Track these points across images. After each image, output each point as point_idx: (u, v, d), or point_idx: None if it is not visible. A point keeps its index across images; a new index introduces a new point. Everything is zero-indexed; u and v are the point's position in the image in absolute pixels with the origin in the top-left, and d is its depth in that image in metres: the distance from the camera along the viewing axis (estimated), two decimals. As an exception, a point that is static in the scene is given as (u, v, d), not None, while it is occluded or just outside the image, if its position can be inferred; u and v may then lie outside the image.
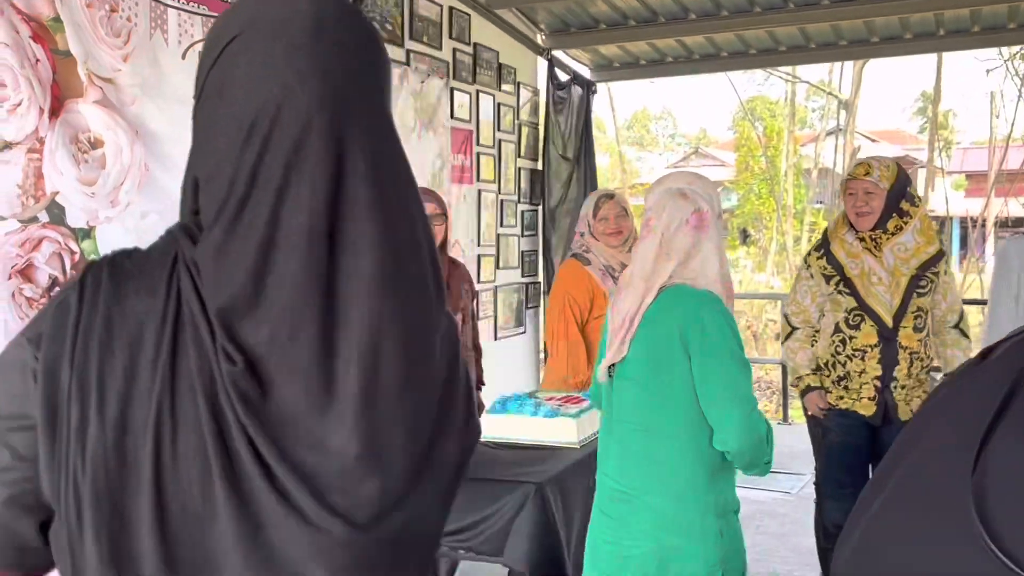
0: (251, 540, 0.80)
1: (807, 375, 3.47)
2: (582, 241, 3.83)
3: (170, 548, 0.80)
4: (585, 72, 6.91)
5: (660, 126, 38.80)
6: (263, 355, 0.81)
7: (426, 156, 4.54)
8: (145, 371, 0.82)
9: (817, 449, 3.57)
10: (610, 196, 3.80)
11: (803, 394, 3.50)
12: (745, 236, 24.91)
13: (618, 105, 18.72)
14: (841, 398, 3.38)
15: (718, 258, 2.06)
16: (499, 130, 5.75)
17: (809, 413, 3.52)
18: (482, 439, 3.00)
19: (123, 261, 0.89)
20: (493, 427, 2.94)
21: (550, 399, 3.13)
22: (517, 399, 3.01)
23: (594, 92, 6.92)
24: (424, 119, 4.51)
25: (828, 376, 3.43)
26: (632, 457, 2.09)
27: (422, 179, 4.48)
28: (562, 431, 2.83)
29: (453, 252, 4.91)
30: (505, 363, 5.86)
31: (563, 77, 6.42)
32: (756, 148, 22.79)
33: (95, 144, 2.78)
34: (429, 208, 3.36)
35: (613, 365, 2.10)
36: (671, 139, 38.70)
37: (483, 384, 3.73)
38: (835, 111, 18.42)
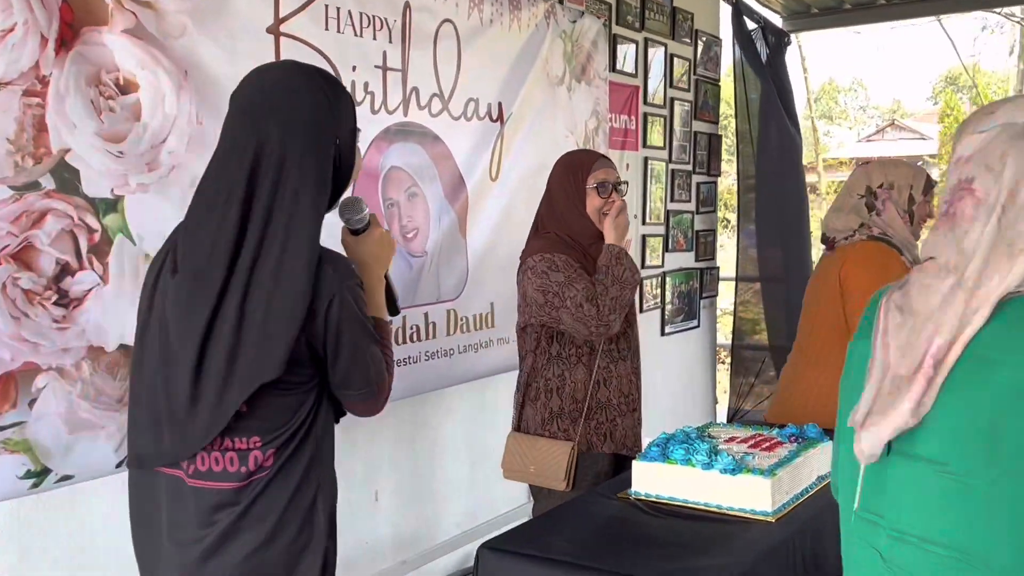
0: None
1: None
2: (878, 221, 2.69)
3: None
4: (777, 20, 5.85)
5: (849, 98, 36.36)
6: None
7: (578, 113, 3.69)
8: None
9: None
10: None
11: None
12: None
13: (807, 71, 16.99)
14: None
15: None
16: (671, 87, 4.83)
17: None
18: (633, 497, 2.18)
19: None
20: (648, 481, 2.07)
21: (730, 439, 2.24)
22: (683, 440, 2.14)
23: (787, 44, 5.84)
24: (576, 68, 3.67)
25: None
26: None
27: (573, 140, 3.65)
28: (749, 494, 1.94)
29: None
30: (673, 364, 4.96)
31: (750, 25, 5.40)
32: (964, 119, 20.59)
33: (125, 88, 2.12)
34: (614, 175, 2.59)
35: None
36: (862, 111, 36.21)
37: None
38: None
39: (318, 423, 1.55)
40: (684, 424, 2.39)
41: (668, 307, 4.93)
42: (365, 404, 1.62)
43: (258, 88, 1.58)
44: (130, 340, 2.11)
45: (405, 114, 2.89)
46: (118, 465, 2.12)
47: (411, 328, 2.97)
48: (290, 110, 1.53)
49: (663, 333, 4.89)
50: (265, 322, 1.45)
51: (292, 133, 1.51)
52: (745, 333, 5.54)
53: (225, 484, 1.48)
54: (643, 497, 2.08)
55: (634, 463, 2.12)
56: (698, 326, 5.28)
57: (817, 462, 2.16)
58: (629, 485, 2.13)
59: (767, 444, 2.16)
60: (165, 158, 2.19)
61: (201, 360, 1.46)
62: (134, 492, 1.60)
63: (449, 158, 3.08)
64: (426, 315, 3.02)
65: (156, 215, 2.17)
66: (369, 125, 2.75)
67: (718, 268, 5.52)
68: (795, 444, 2.17)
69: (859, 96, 36.65)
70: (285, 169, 1.48)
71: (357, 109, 2.64)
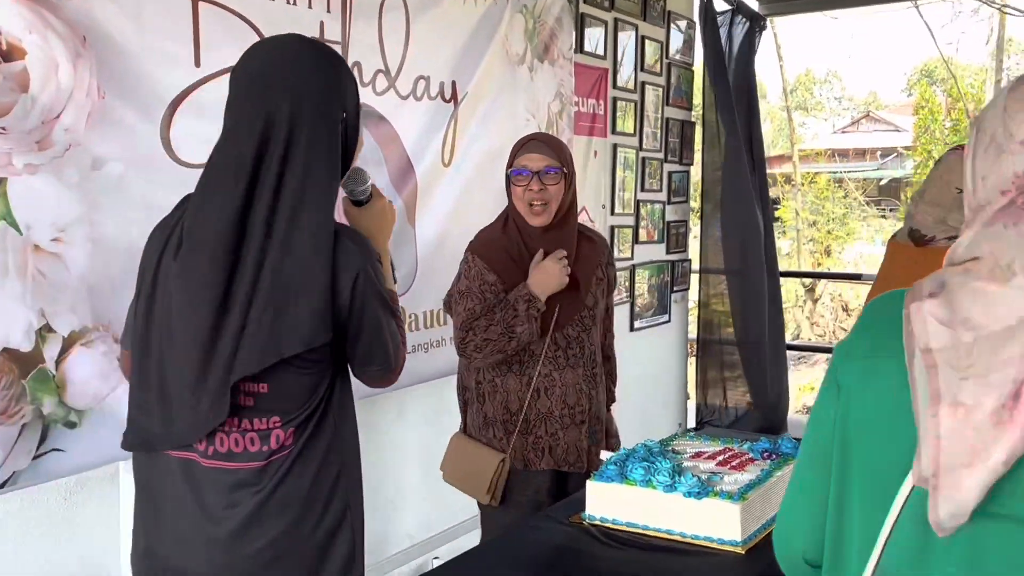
0: None
1: None
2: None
3: None
4: (752, 4, 5.62)
5: (825, 89, 36.40)
6: None
7: (540, 94, 3.45)
8: None
9: None
10: None
11: None
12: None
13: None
14: None
15: None
16: (642, 70, 4.60)
17: None
18: (587, 522, 1.93)
19: None
20: (604, 504, 1.84)
21: (697, 455, 2.01)
22: (643, 456, 1.91)
23: (762, 28, 5.61)
24: (538, 46, 3.42)
25: None
26: None
27: (536, 122, 3.40)
28: (716, 521, 1.71)
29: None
30: (643, 361, 4.73)
31: (723, 7, 5.17)
32: (939, 110, 20.47)
33: (8, 54, 1.85)
34: (541, 162, 2.31)
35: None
36: (837, 103, 36.27)
37: (613, 399, 2.66)
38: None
39: (335, 401, 1.55)
40: (654, 423, 2.16)
41: (638, 301, 4.71)
42: (382, 379, 1.61)
43: (264, 62, 1.53)
44: (14, 343, 1.86)
45: (346, 92, 2.63)
46: (2, 485, 1.87)
47: (353, 326, 2.72)
48: (299, 83, 1.49)
49: (632, 328, 4.67)
50: (273, 295, 1.41)
51: (302, 106, 1.48)
52: (718, 326, 5.32)
53: (246, 464, 1.47)
54: (598, 522, 1.85)
55: (589, 483, 1.89)
56: (669, 321, 5.06)
57: (793, 480, 1.93)
58: (583, 507, 1.90)
59: (737, 461, 1.94)
60: (59, 136, 1.93)
61: (214, 338, 1.42)
62: (142, 477, 1.55)
63: (396, 141, 2.83)
64: (370, 312, 2.77)
65: (48, 200, 1.92)
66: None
67: (690, 261, 5.30)
68: (768, 461, 1.95)
69: (834, 88, 36.67)
70: (295, 143, 1.45)
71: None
